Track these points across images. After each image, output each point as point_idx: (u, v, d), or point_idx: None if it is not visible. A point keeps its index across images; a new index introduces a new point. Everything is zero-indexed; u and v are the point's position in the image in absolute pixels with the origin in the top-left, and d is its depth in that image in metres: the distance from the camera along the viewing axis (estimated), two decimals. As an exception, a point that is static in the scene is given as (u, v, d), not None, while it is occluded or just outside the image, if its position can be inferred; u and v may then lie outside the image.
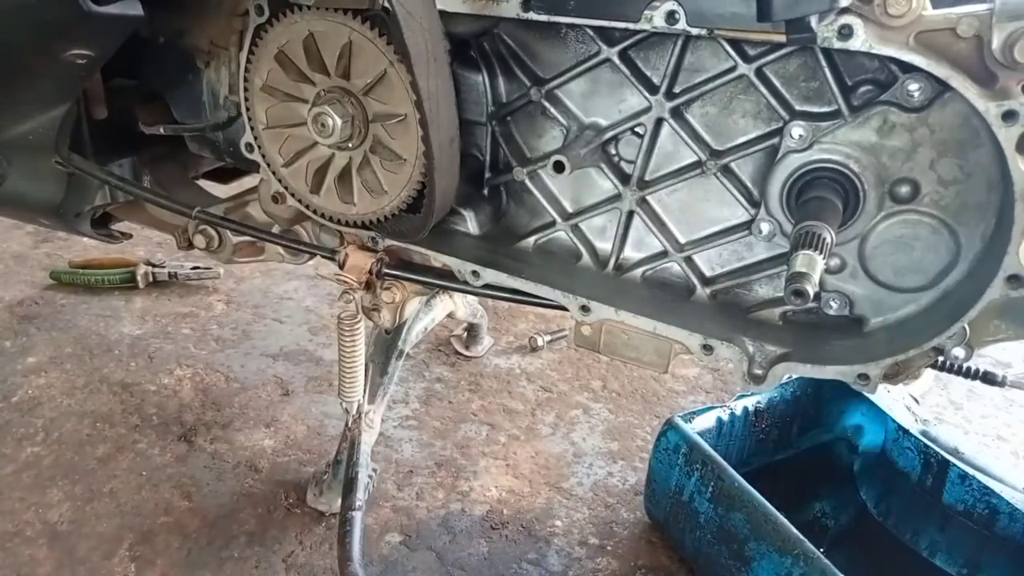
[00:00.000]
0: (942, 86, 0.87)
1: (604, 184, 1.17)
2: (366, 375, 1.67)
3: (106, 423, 1.91)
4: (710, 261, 1.14)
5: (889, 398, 1.67)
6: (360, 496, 1.50)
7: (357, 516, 1.45)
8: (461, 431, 1.98)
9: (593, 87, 1.13)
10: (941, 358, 0.95)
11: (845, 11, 0.83)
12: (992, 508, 1.47)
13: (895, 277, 1.01)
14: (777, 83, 1.01)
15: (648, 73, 1.08)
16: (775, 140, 1.02)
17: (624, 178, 1.14)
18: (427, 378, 2.18)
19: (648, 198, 1.14)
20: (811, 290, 0.85)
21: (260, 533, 1.62)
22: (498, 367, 2.26)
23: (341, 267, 1.31)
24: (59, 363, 2.13)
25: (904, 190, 0.96)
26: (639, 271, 1.18)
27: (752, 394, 1.67)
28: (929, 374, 2.17)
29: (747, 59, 1.00)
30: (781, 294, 1.08)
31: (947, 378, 2.26)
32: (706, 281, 1.15)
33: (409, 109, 1.08)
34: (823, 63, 0.96)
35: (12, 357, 2.14)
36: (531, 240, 1.25)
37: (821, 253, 0.87)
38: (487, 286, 1.20)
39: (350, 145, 1.15)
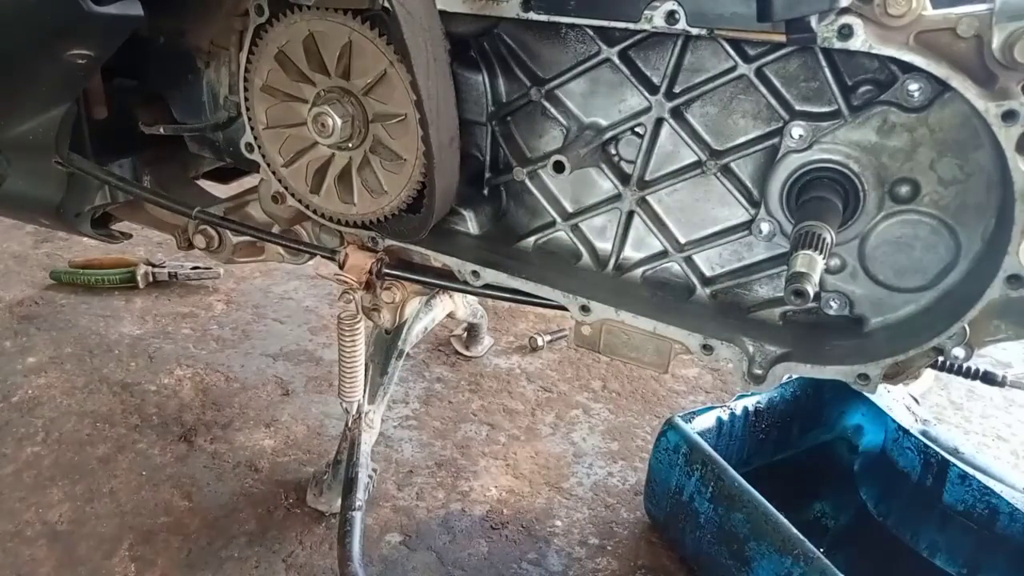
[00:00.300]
0: (942, 86, 0.87)
1: (604, 184, 1.17)
2: (366, 375, 1.67)
3: (106, 423, 1.91)
4: (710, 261, 1.14)
5: (889, 398, 1.67)
6: (360, 496, 1.50)
7: (357, 516, 1.46)
8: (461, 431, 1.98)
9: (593, 87, 1.13)
10: (941, 358, 0.95)
11: (845, 11, 0.83)
12: (992, 508, 1.47)
13: (895, 277, 1.01)
14: (777, 83, 1.01)
15: (648, 73, 1.08)
16: (775, 140, 1.02)
17: (624, 178, 1.14)
18: (427, 378, 2.18)
19: (648, 198, 1.14)
20: (811, 290, 0.85)
21: (260, 533, 1.62)
22: (498, 367, 2.26)
23: (341, 267, 1.31)
24: (59, 363, 2.13)
25: (904, 190, 0.96)
26: (639, 271, 1.18)
27: (752, 394, 1.67)
28: (929, 374, 2.18)
29: (747, 59, 1.00)
30: (781, 294, 1.08)
31: (947, 378, 2.26)
32: (706, 281, 1.15)
33: (409, 109, 1.08)
34: (823, 63, 0.96)
35: (12, 357, 2.14)
36: (531, 240, 1.25)
37: (821, 253, 0.88)
38: (487, 286, 1.20)
39: (350, 145, 1.15)
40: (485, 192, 1.26)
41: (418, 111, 1.05)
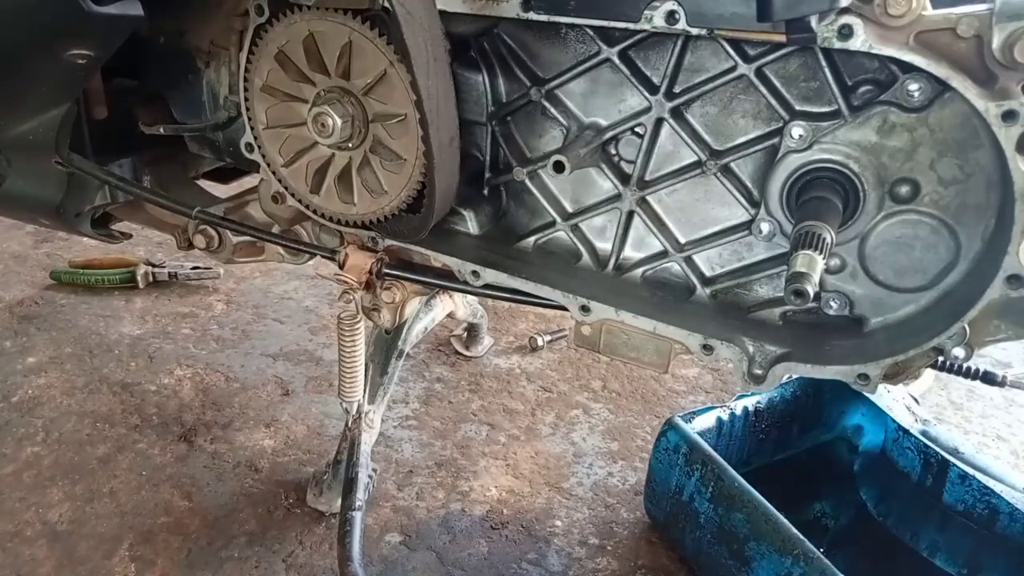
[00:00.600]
0: (942, 86, 0.87)
1: (604, 184, 1.17)
2: (366, 375, 1.67)
3: (106, 423, 1.91)
4: (710, 261, 1.14)
5: (889, 398, 1.67)
6: (360, 496, 1.50)
7: (357, 516, 1.46)
8: (461, 431, 1.98)
9: (593, 87, 1.13)
10: (941, 358, 0.95)
11: (845, 11, 0.83)
12: (992, 508, 1.47)
13: (895, 277, 1.01)
14: (777, 83, 1.01)
15: (648, 73, 1.08)
16: (775, 140, 1.02)
17: (624, 178, 1.14)
18: (427, 378, 2.18)
19: (648, 198, 1.14)
20: (811, 290, 0.85)
21: (260, 533, 1.62)
22: (498, 367, 2.26)
23: (341, 267, 1.31)
24: (59, 363, 2.13)
25: (904, 190, 0.96)
26: (639, 271, 1.18)
27: (752, 394, 1.67)
28: (929, 374, 2.18)
29: (747, 59, 1.00)
30: (781, 294, 1.08)
31: (947, 378, 2.26)
32: (706, 281, 1.15)
33: (409, 109, 1.08)
34: (823, 63, 0.96)
35: (12, 357, 2.14)
36: (531, 240, 1.25)
37: (821, 253, 0.88)
38: (487, 286, 1.20)
39: (350, 145, 1.15)
40: (485, 192, 1.26)
41: (418, 111, 1.05)
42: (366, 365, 1.66)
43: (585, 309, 1.13)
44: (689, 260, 1.15)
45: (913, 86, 0.90)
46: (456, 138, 1.12)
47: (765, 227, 1.05)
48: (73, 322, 2.34)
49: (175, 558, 1.56)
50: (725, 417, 1.63)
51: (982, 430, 2.15)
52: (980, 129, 0.89)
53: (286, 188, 1.26)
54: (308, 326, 2.40)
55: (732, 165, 1.07)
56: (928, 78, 0.88)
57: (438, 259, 1.23)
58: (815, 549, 1.28)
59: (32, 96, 1.28)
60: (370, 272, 1.29)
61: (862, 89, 0.96)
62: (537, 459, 1.90)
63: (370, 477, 1.57)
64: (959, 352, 0.92)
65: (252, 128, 1.23)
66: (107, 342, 2.25)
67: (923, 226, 0.97)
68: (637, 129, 1.12)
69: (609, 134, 1.13)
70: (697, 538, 1.52)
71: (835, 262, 1.03)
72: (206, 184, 1.72)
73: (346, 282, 1.30)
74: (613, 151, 1.15)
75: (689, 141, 1.08)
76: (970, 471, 1.50)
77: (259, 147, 1.24)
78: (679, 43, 1.03)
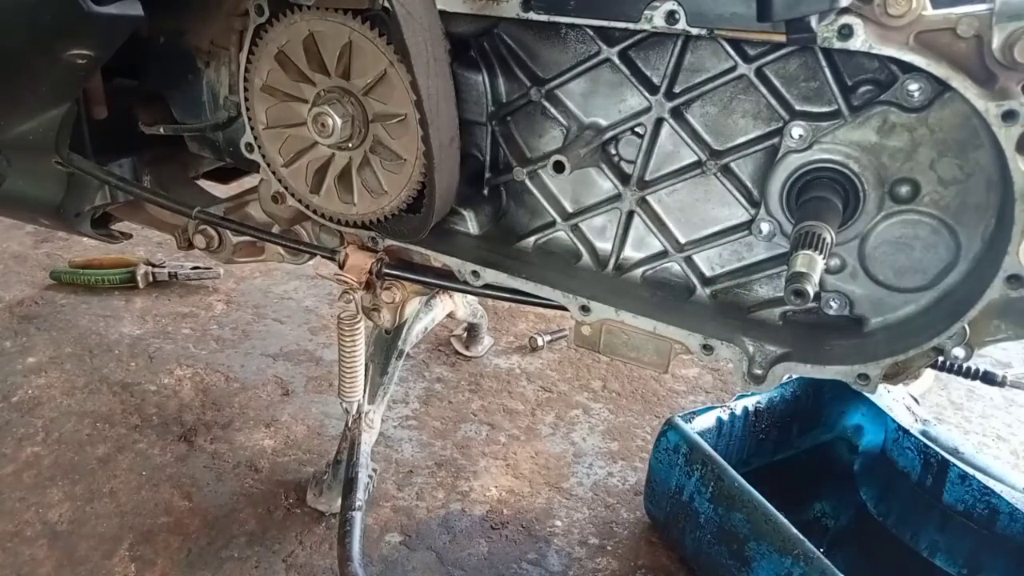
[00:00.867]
0: (942, 86, 0.87)
1: (604, 184, 1.17)
2: (366, 375, 1.67)
3: (106, 423, 1.91)
4: (710, 261, 1.14)
5: (889, 398, 1.67)
6: (360, 496, 1.50)
7: (357, 516, 1.45)
8: (461, 431, 1.98)
9: (593, 87, 1.13)
10: (941, 358, 0.95)
11: (845, 11, 0.83)
12: (992, 508, 1.47)
13: (895, 277, 1.01)
14: (777, 83, 1.01)
15: (648, 73, 1.08)
16: (775, 140, 1.02)
17: (624, 178, 1.14)
18: (427, 378, 2.18)
19: (648, 198, 1.14)
20: (811, 290, 0.85)
21: (260, 533, 1.62)
22: (498, 367, 2.26)
23: (341, 267, 1.31)
24: (59, 363, 2.13)
25: (904, 190, 0.96)
26: (639, 271, 1.18)
27: (752, 394, 1.67)
28: (929, 374, 2.19)
29: (747, 59, 1.00)
30: (781, 294, 1.08)
31: (947, 378, 2.26)
32: (706, 281, 1.15)
33: (409, 109, 1.08)
34: (823, 63, 0.96)
35: (12, 357, 2.14)
36: (531, 240, 1.25)
37: (821, 253, 0.88)
38: (487, 286, 1.20)
39: (350, 145, 1.15)
40: (485, 192, 1.26)
41: (418, 111, 1.05)
42: (366, 365, 1.66)
43: (585, 309, 1.13)
44: (689, 260, 1.15)
45: (913, 86, 0.90)
46: (456, 138, 1.12)
47: (765, 227, 1.05)
48: (73, 322, 2.34)
49: (175, 558, 1.56)
50: (725, 417, 1.63)
51: (982, 430, 2.15)
52: (980, 129, 0.89)
53: (286, 188, 1.26)
54: (308, 326, 2.40)
55: (732, 165, 1.07)
56: (928, 78, 0.88)
57: (438, 259, 1.23)
58: (815, 549, 1.28)
59: (32, 96, 1.28)
60: (370, 272, 1.29)
61: (862, 89, 0.96)
62: (537, 459, 1.90)
63: (370, 477, 1.57)
64: (959, 352, 0.92)
65: (252, 128, 1.23)
66: (107, 342, 2.25)
67: (923, 226, 0.97)
68: (637, 129, 1.12)
69: (609, 134, 1.13)
70: (697, 538, 1.52)
71: (835, 262, 1.03)
72: (206, 184, 1.72)
73: (346, 282, 1.30)
74: (613, 151, 1.15)
75: (689, 141, 1.08)
76: (970, 471, 1.50)
77: (259, 147, 1.24)
78: (679, 43, 1.03)
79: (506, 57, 1.16)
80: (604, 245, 1.20)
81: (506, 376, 2.22)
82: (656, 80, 1.07)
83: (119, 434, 1.88)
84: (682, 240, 1.15)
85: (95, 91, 1.42)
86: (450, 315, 2.02)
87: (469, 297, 2.06)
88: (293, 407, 2.02)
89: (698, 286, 1.15)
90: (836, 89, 0.96)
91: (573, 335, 1.18)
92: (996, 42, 0.76)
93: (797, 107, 1.00)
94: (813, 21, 0.82)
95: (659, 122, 1.09)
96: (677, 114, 1.08)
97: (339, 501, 1.58)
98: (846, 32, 0.83)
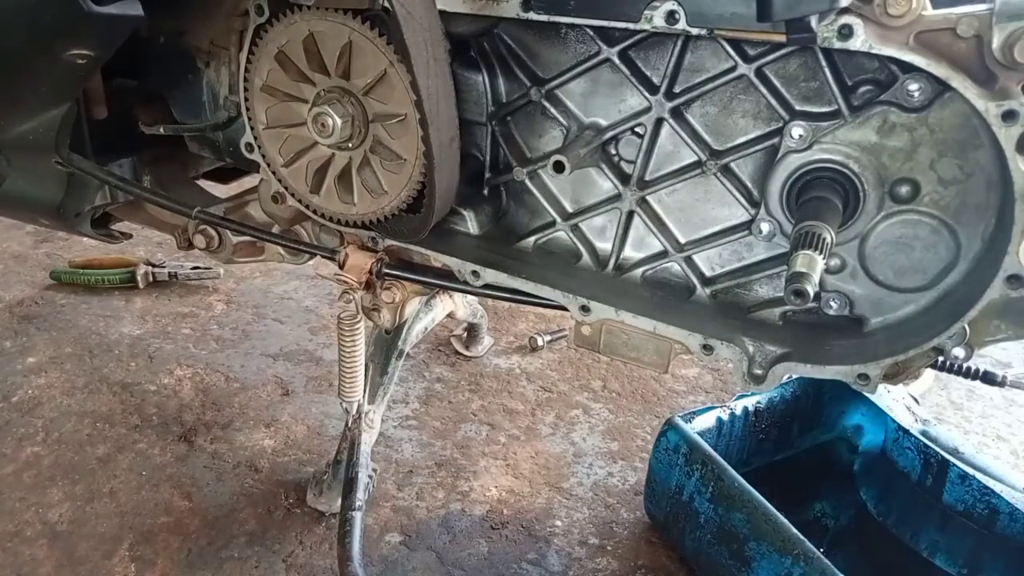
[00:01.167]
0: (942, 86, 0.87)
1: (604, 184, 1.17)
2: (366, 375, 1.67)
3: (106, 423, 1.91)
4: (710, 261, 1.14)
5: (889, 398, 1.67)
6: (360, 496, 1.50)
7: (357, 516, 1.45)
8: (461, 431, 1.98)
9: (593, 87, 1.13)
10: (941, 358, 0.95)
11: (845, 11, 0.83)
12: (992, 508, 1.47)
13: (895, 277, 1.01)
14: (777, 83, 1.01)
15: (648, 73, 1.08)
16: (775, 140, 1.02)
17: (624, 178, 1.14)
18: (427, 378, 2.18)
19: (648, 198, 1.14)
20: (811, 290, 0.85)
21: (260, 533, 1.62)
22: (498, 367, 2.26)
23: (341, 267, 1.31)
24: (59, 363, 2.13)
25: (904, 190, 0.96)
26: (639, 271, 1.18)
27: (752, 394, 1.67)
28: (929, 374, 2.18)
29: (747, 59, 1.00)
30: (781, 294, 1.08)
31: (947, 378, 2.26)
32: (706, 281, 1.15)
33: (409, 109, 1.08)
34: (823, 63, 0.96)
35: (12, 357, 2.14)
36: (531, 240, 1.25)
37: (821, 253, 0.88)
38: (487, 286, 1.20)
39: (350, 145, 1.15)
40: (485, 192, 1.26)
41: (418, 111, 1.05)
42: (366, 365, 1.66)
43: (585, 309, 1.13)
44: (689, 260, 1.15)
45: (913, 86, 0.90)
46: (456, 138, 1.12)
47: (765, 227, 1.05)
48: (73, 322, 2.34)
49: (175, 558, 1.56)
50: (725, 417, 1.63)
51: (982, 430, 2.15)
52: (980, 129, 0.89)
53: (286, 188, 1.26)
54: (308, 326, 2.40)
55: (732, 165, 1.07)
56: (928, 78, 0.88)
57: (438, 259, 1.23)
58: (815, 549, 1.28)
59: (32, 96, 1.28)
60: (370, 272, 1.29)
61: (862, 89, 0.96)
62: (537, 459, 1.90)
63: (370, 477, 1.57)
64: (959, 352, 0.92)
65: (252, 128, 1.23)
66: (107, 342, 2.25)
67: (923, 226, 0.97)
68: (637, 129, 1.12)
69: (609, 134, 1.13)
70: (697, 538, 1.52)
71: (835, 262, 1.03)
72: (206, 184, 1.72)
73: (346, 282, 1.30)
74: (613, 151, 1.15)
75: (689, 141, 1.08)
76: (970, 471, 1.50)
77: (259, 147, 1.24)
78: (679, 43, 1.03)
79: (506, 57, 1.16)
80: (604, 245, 1.20)
81: (506, 376, 2.22)
82: (656, 80, 1.07)
83: (119, 434, 1.88)
84: (682, 240, 1.15)
85: (95, 91, 1.42)
86: (450, 315, 2.02)
87: (469, 297, 2.06)
88: (293, 407, 2.02)
89: (698, 286, 1.15)
90: (836, 89, 0.96)
91: (573, 335, 1.18)
92: (996, 42, 0.76)
93: (797, 107, 1.00)
94: (813, 21, 0.82)
95: (659, 122, 1.09)
96: (677, 114, 1.08)
97: (339, 501, 1.58)
98: (846, 32, 0.83)
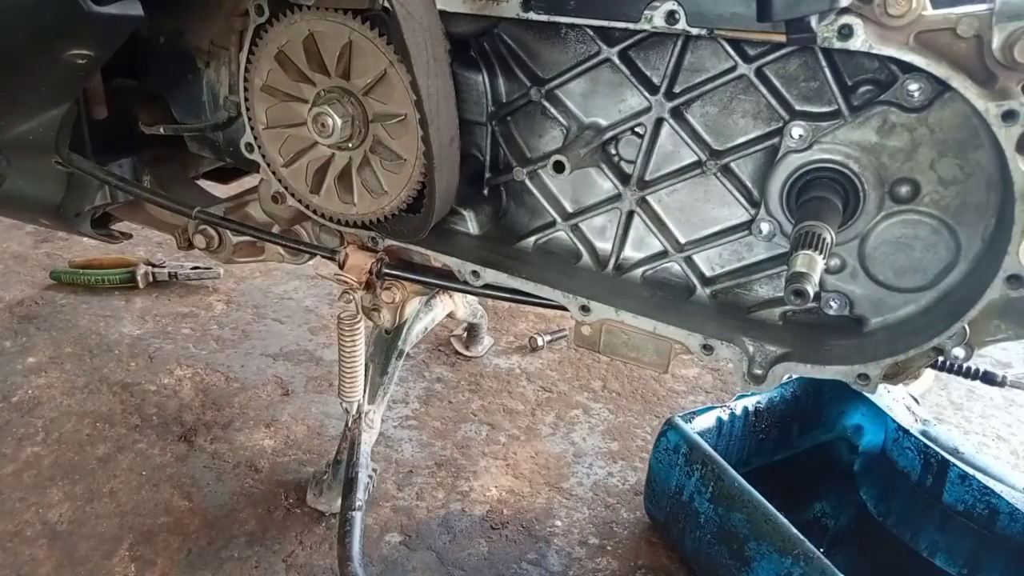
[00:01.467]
0: (942, 86, 0.87)
1: (604, 184, 1.17)
2: (366, 375, 1.67)
3: (106, 423, 1.91)
4: (710, 261, 1.14)
5: (889, 398, 1.67)
6: (360, 496, 1.50)
7: (357, 516, 1.45)
8: (461, 431, 1.98)
9: (593, 87, 1.13)
10: (941, 358, 0.95)
11: (845, 11, 0.83)
12: (992, 508, 1.47)
13: (895, 277, 1.01)
14: (777, 83, 1.01)
15: (648, 73, 1.08)
16: (775, 140, 1.02)
17: (624, 178, 1.14)
18: (427, 378, 2.18)
19: (648, 198, 1.14)
20: (811, 290, 0.85)
21: (260, 533, 1.62)
22: (498, 367, 2.26)
23: (341, 267, 1.31)
24: (59, 363, 2.13)
25: (904, 190, 0.96)
26: (639, 271, 1.18)
27: (752, 394, 1.67)
28: (929, 374, 2.18)
29: (747, 59, 1.00)
30: (781, 294, 1.08)
31: (947, 378, 2.26)
32: (706, 281, 1.15)
33: (409, 109, 1.08)
34: (823, 63, 0.96)
35: (12, 357, 2.14)
36: (531, 240, 1.25)
37: (821, 253, 0.88)
38: (487, 286, 1.20)
39: (350, 145, 1.15)
40: (485, 192, 1.26)
41: (418, 111, 1.05)
42: (366, 365, 1.66)
43: (585, 309, 1.13)
44: (689, 260, 1.15)
45: (913, 86, 0.90)
46: (456, 138, 1.12)
47: (765, 227, 1.05)
48: (73, 322, 2.34)
49: (175, 558, 1.56)
50: (725, 417, 1.63)
51: (982, 430, 2.15)
52: (980, 129, 0.89)
53: (286, 188, 1.26)
54: (308, 326, 2.40)
55: (732, 165, 1.07)
56: (928, 78, 0.88)
57: (438, 259, 1.23)
58: (815, 549, 1.28)
59: (32, 96, 1.28)
60: (370, 272, 1.29)
61: (862, 89, 0.96)
62: (537, 459, 1.90)
63: (370, 477, 1.57)
64: (959, 352, 0.92)
65: (252, 128, 1.23)
66: (107, 342, 2.25)
67: (923, 226, 0.97)
68: (637, 129, 1.12)
69: (609, 134, 1.13)
70: (697, 538, 1.52)
71: (835, 262, 1.03)
72: (206, 184, 1.72)
73: (346, 282, 1.30)
74: (613, 151, 1.15)
75: (689, 141, 1.08)
76: (970, 471, 1.50)
77: (259, 147, 1.24)
78: (679, 43, 1.03)
79: (506, 57, 1.16)
80: (604, 245, 1.20)
81: (506, 376, 2.22)
82: (656, 80, 1.07)
83: (119, 434, 1.88)
84: (682, 240, 1.15)
85: (95, 91, 1.42)
86: (450, 315, 2.02)
87: (469, 297, 2.06)
88: (293, 407, 2.02)
89: (698, 286, 1.15)
90: (836, 89, 0.96)
91: (573, 335, 1.18)
92: (996, 42, 0.76)
93: (797, 107, 1.00)
94: (813, 21, 0.82)
95: (659, 122, 1.09)
96: (677, 114, 1.08)
97: (339, 501, 1.58)
98: (846, 32, 0.83)
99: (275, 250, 1.44)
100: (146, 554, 1.56)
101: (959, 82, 0.81)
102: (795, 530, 1.32)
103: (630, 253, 1.19)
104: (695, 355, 1.08)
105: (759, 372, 1.04)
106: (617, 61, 1.07)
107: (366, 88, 1.10)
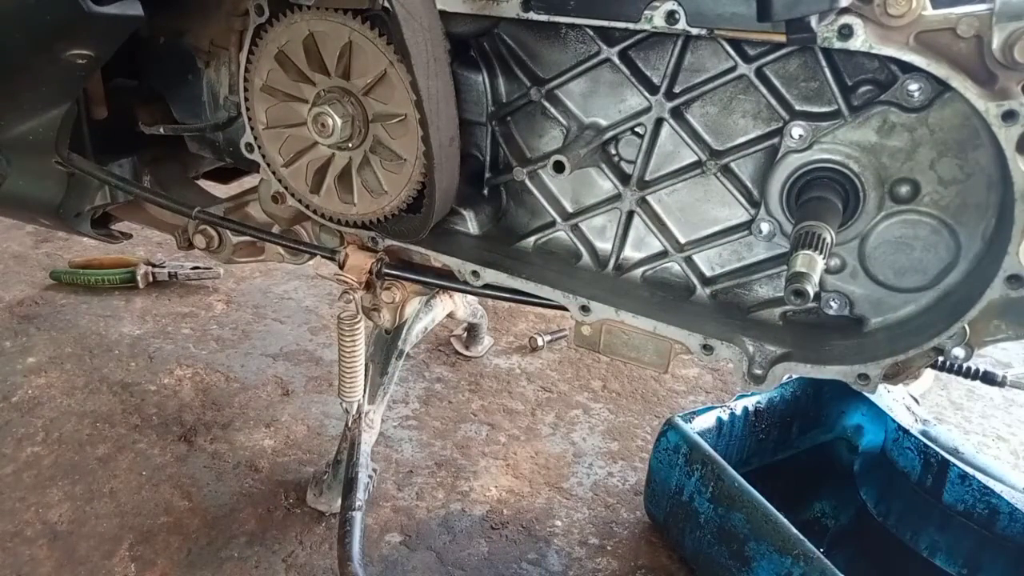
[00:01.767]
0: (942, 86, 0.87)
1: (604, 184, 1.17)
2: (366, 375, 1.67)
3: (106, 423, 1.91)
4: (710, 261, 1.14)
5: (889, 398, 1.67)
6: (360, 496, 1.50)
7: (357, 516, 1.45)
8: (461, 431, 1.98)
9: (593, 87, 1.13)
10: (941, 358, 0.95)
11: (845, 11, 0.83)
12: (992, 508, 1.47)
13: (895, 277, 1.01)
14: (777, 83, 1.01)
15: (648, 73, 1.08)
16: (775, 140, 1.02)
17: (624, 178, 1.14)
18: (427, 378, 2.18)
19: (648, 198, 1.14)
20: (811, 290, 0.85)
21: (260, 533, 1.62)
22: (498, 367, 2.26)
23: (341, 267, 1.31)
24: (59, 363, 2.13)
25: (904, 190, 0.96)
26: (639, 271, 1.18)
27: (752, 394, 1.67)
28: (929, 374, 2.18)
29: (747, 59, 1.00)
30: (781, 294, 1.08)
31: (947, 378, 2.26)
32: (706, 281, 1.15)
33: (409, 109, 1.08)
34: (823, 63, 0.96)
35: (12, 357, 2.14)
36: (531, 240, 1.25)
37: (821, 253, 0.88)
38: (487, 286, 1.20)
39: (350, 145, 1.15)
40: (485, 192, 1.26)
41: (418, 111, 1.05)
42: (366, 365, 1.66)
43: (585, 309, 1.13)
44: (689, 260, 1.15)
45: (913, 86, 0.90)
46: (456, 138, 1.12)
47: (765, 227, 1.05)
48: (73, 322, 2.34)
49: (175, 558, 1.56)
50: (725, 417, 1.63)
51: (982, 430, 2.15)
52: (980, 129, 0.89)
53: (286, 188, 1.26)
54: (308, 326, 2.40)
55: (732, 165, 1.07)
56: (928, 78, 0.88)
57: (438, 259, 1.23)
58: (815, 549, 1.28)
59: (32, 96, 1.28)
60: (370, 272, 1.29)
61: (862, 89, 0.96)
62: (537, 459, 1.90)
63: (370, 477, 1.57)
64: (959, 352, 0.92)
65: (252, 128, 1.23)
66: (107, 342, 2.25)
67: (923, 226, 0.97)
68: (637, 129, 1.12)
69: (609, 134, 1.13)
70: (697, 538, 1.52)
71: (835, 262, 1.03)
72: (206, 184, 1.72)
73: (346, 282, 1.30)
74: (613, 151, 1.15)
75: (689, 141, 1.08)
76: (970, 471, 1.50)
77: (259, 147, 1.24)
78: (679, 43, 1.04)
79: (506, 57, 1.16)
80: (604, 245, 1.20)
81: (506, 376, 2.22)
82: (656, 80, 1.07)
83: (119, 434, 1.88)
84: (682, 240, 1.15)
85: (95, 91, 1.42)
86: (450, 315, 2.02)
87: (469, 297, 2.06)
88: (293, 407, 2.02)
89: (698, 286, 1.15)
90: (836, 89, 0.96)
91: (573, 335, 1.18)
92: (996, 42, 0.76)
93: (797, 107, 1.00)
94: (813, 21, 0.82)
95: (659, 122, 1.09)
96: (677, 114, 1.08)
97: (339, 501, 1.58)
98: (846, 32, 0.83)
99: (275, 250, 1.44)
100: (146, 554, 1.56)
101: (959, 82, 0.81)
102: (795, 530, 1.32)
103: (630, 253, 1.19)
104: (695, 355, 1.08)
105: (759, 372, 1.04)
106: (617, 61, 1.07)
107: (366, 88, 1.10)
